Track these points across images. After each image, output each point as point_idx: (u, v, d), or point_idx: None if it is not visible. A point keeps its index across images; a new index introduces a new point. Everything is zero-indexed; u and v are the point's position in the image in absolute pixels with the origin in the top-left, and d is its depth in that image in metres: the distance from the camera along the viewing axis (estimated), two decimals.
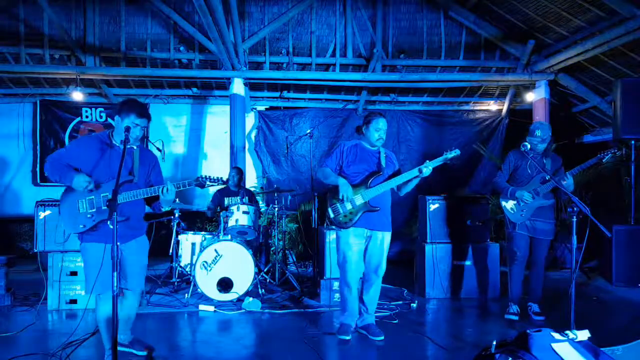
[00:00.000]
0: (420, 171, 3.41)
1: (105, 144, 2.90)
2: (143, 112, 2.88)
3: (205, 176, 2.94)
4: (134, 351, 3.11)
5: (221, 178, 2.96)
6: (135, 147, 2.96)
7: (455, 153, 3.47)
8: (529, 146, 3.80)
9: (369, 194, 3.45)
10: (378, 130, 3.56)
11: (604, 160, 3.67)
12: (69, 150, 2.93)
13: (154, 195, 2.87)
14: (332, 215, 3.49)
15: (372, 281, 3.63)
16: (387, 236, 3.61)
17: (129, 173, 2.89)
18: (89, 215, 2.80)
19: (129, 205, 2.86)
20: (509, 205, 4.07)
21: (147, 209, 3.13)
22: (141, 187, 2.92)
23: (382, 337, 3.50)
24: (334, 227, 3.56)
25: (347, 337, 3.50)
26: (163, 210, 3.04)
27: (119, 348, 3.05)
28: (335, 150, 3.68)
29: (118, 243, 2.75)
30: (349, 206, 3.44)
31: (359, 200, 3.45)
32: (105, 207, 2.73)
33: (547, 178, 3.86)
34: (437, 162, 3.47)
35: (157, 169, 3.13)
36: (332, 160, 3.64)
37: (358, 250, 3.53)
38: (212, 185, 2.94)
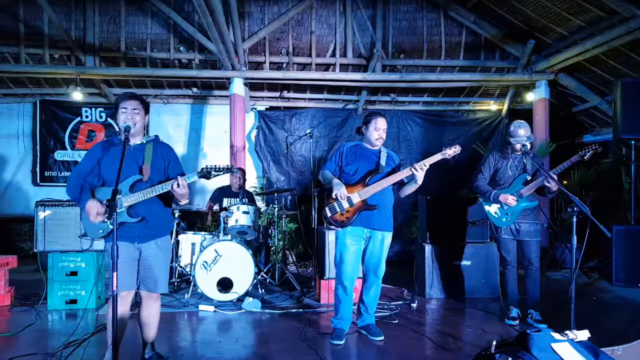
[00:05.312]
0: (414, 169, 3.33)
1: (112, 144, 2.79)
2: (130, 95, 2.77)
3: (210, 166, 2.69)
4: None
5: (228, 166, 2.72)
6: (144, 142, 2.83)
7: (455, 149, 3.43)
8: (517, 146, 3.79)
9: (366, 192, 3.41)
10: (377, 129, 3.53)
11: (585, 158, 3.54)
12: (81, 163, 2.82)
13: (164, 192, 2.70)
14: (328, 214, 3.43)
15: (372, 282, 3.59)
16: (387, 236, 3.54)
17: (139, 172, 2.76)
18: (105, 220, 2.68)
19: (143, 205, 2.72)
20: (492, 209, 3.96)
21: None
22: (156, 184, 2.76)
23: (382, 337, 3.49)
24: (332, 226, 3.49)
25: (341, 342, 3.44)
26: (181, 204, 2.81)
27: None
28: (335, 153, 3.66)
29: (137, 243, 2.74)
30: (345, 204, 3.40)
31: (356, 198, 3.40)
32: (122, 209, 2.65)
33: (528, 178, 3.81)
34: (434, 158, 3.39)
35: (174, 162, 2.92)
36: (332, 162, 3.62)
37: (355, 251, 3.48)
38: (217, 175, 2.72)
